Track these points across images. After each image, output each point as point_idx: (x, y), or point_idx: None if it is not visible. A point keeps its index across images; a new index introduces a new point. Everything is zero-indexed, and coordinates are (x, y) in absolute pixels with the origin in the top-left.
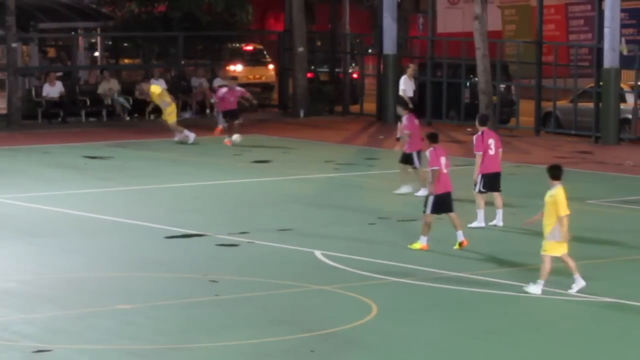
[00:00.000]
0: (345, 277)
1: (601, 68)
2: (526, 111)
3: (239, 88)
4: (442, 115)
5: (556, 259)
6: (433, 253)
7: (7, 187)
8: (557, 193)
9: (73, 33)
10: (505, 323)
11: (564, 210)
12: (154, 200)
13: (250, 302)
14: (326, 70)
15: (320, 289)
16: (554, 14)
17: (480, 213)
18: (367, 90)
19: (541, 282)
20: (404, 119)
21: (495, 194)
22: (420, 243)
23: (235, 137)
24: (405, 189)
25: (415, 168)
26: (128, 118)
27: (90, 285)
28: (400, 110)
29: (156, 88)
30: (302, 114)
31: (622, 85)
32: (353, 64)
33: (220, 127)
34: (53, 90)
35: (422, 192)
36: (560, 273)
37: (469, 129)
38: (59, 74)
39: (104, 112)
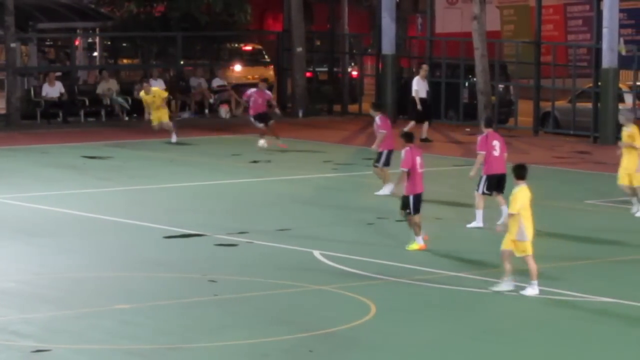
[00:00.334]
0: (343, 277)
1: (600, 68)
2: (525, 111)
3: (267, 91)
4: (441, 115)
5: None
6: (432, 253)
7: (6, 187)
8: (517, 192)
9: (72, 33)
10: (504, 323)
11: (512, 208)
12: (153, 200)
13: (249, 302)
14: (325, 70)
15: (319, 289)
16: (553, 14)
17: (479, 214)
18: (365, 90)
19: (534, 282)
20: (378, 120)
21: (498, 194)
22: (417, 243)
23: (261, 142)
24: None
25: (377, 166)
26: (127, 118)
27: (89, 285)
28: (372, 111)
29: (144, 94)
30: (300, 114)
31: (620, 85)
32: (352, 63)
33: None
34: (52, 90)
35: (384, 191)
36: (558, 273)
37: (468, 129)
38: (59, 74)
39: (103, 112)
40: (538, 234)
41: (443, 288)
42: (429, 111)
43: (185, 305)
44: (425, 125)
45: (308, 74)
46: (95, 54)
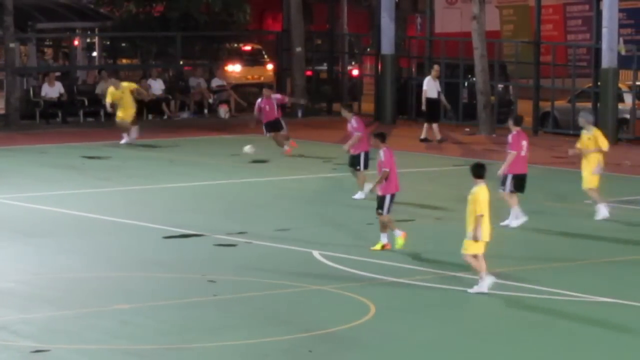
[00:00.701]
0: (343, 277)
1: (599, 68)
2: (524, 111)
3: (275, 95)
4: (440, 115)
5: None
6: (431, 253)
7: (5, 187)
8: (477, 192)
9: (71, 33)
10: (504, 323)
11: (481, 210)
12: (152, 200)
13: (249, 302)
14: (324, 69)
15: (318, 289)
16: (552, 14)
17: (516, 210)
18: (365, 90)
19: (484, 277)
20: (353, 121)
21: (516, 194)
22: (382, 242)
23: (247, 147)
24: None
25: (358, 170)
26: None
27: (88, 285)
28: (346, 113)
29: (112, 89)
30: (300, 114)
31: (620, 85)
32: (353, 62)
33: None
34: (52, 90)
35: (360, 195)
36: (558, 273)
37: (467, 129)
38: (58, 74)
39: (102, 112)
40: (548, 233)
41: (443, 288)
42: (438, 112)
43: (184, 306)
44: (434, 126)
45: (308, 73)
46: (95, 54)
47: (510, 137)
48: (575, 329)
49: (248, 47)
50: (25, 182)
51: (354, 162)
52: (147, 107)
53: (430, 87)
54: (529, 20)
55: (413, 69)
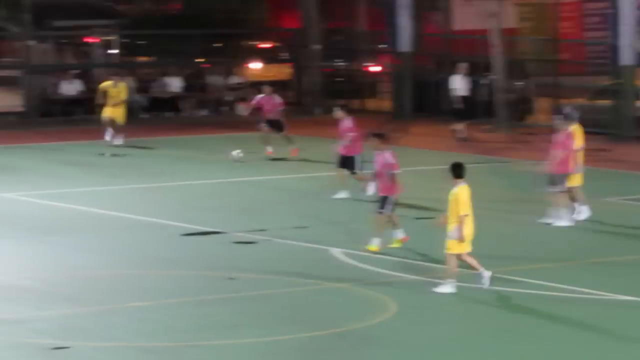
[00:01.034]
0: (363, 274)
1: (617, 65)
2: (543, 108)
3: (276, 97)
4: (472, 113)
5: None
6: None
7: (22, 184)
8: (458, 192)
9: (89, 31)
10: (528, 322)
11: (464, 210)
12: (170, 197)
13: (268, 299)
14: (342, 66)
15: (337, 287)
16: (570, 11)
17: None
18: (382, 87)
19: (451, 281)
20: (346, 122)
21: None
22: (376, 245)
23: (235, 152)
24: (344, 194)
25: (355, 172)
26: (143, 115)
27: (105, 283)
28: (338, 112)
29: (111, 87)
30: (317, 112)
31: (638, 82)
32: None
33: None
34: (71, 87)
35: (342, 195)
36: (580, 271)
37: (486, 127)
38: (76, 71)
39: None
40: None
41: (463, 286)
42: (470, 109)
43: (200, 303)
44: (462, 125)
45: (326, 70)
46: (112, 51)
47: (561, 135)
48: (593, 326)
49: (267, 45)
50: (43, 180)
51: (345, 163)
52: (165, 105)
53: (462, 85)
54: (547, 17)
55: (431, 66)
